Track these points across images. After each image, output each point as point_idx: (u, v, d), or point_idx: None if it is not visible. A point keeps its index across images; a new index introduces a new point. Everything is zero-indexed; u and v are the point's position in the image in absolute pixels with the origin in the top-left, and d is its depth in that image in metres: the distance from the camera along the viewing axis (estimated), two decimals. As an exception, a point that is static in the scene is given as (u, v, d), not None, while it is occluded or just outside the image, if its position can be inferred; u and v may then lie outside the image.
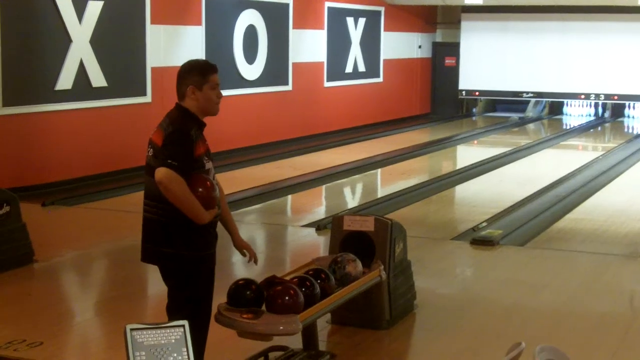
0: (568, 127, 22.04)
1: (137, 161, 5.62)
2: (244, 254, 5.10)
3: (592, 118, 23.24)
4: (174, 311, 4.83)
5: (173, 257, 4.75)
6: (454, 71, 23.64)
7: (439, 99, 23.96)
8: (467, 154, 17.64)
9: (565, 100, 23.62)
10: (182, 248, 4.73)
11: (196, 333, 4.54)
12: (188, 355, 3.66)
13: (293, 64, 17.49)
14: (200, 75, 4.77)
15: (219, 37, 15.34)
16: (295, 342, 5.52)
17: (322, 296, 5.24)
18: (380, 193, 12.90)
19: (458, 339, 6.24)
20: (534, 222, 10.50)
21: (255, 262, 5.12)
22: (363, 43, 20.25)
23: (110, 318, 6.60)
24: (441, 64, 23.94)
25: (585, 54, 22.51)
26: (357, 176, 14.04)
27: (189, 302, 4.80)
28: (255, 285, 5.02)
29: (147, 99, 13.54)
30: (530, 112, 23.77)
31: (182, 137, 4.66)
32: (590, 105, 23.41)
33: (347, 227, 6.37)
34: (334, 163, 14.80)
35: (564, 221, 10.55)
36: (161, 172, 4.55)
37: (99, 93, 12.78)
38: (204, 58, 14.73)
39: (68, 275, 8.32)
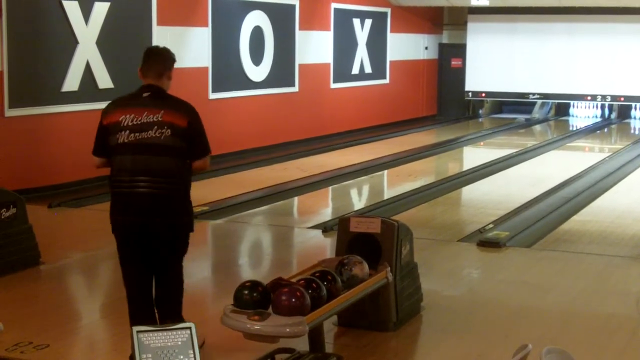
0: (574, 129, 22.00)
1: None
2: None
3: (599, 119, 23.20)
4: (173, 276, 5.56)
5: (186, 225, 5.47)
6: (461, 72, 23.62)
7: (445, 101, 23.94)
8: (473, 156, 17.62)
9: (571, 102, 23.59)
10: (190, 215, 5.49)
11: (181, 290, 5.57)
12: (195, 357, 3.66)
13: (299, 65, 17.49)
14: (174, 61, 5.59)
15: (225, 39, 15.34)
16: (302, 344, 5.51)
17: (329, 298, 5.24)
18: (387, 195, 12.89)
19: (465, 341, 6.23)
20: (541, 223, 10.49)
21: None
22: (369, 44, 20.25)
23: (117, 320, 6.59)
24: (447, 66, 23.92)
25: (592, 55, 22.48)
26: (363, 178, 14.03)
27: (181, 264, 5.59)
28: (262, 287, 5.03)
29: (154, 100, 13.51)
30: (536, 113, 23.74)
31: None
32: (597, 107, 23.38)
33: (353, 228, 6.36)
34: (341, 164, 14.79)
35: (570, 223, 10.53)
36: (206, 163, 5.47)
37: (105, 94, 12.74)
38: (210, 59, 14.80)
39: (74, 277, 8.33)
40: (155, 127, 5.26)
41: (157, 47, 5.68)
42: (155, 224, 5.33)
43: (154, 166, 5.27)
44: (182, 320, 5.26)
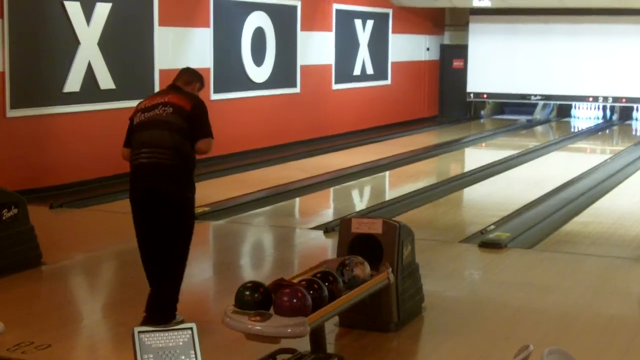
0: (576, 130, 21.99)
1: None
2: None
3: (600, 121, 23.19)
4: (178, 248, 6.03)
5: (186, 196, 6.01)
6: (462, 73, 23.61)
7: (447, 102, 23.94)
8: (475, 157, 17.62)
9: (573, 103, 23.58)
10: (187, 188, 6.02)
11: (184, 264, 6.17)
12: (196, 357, 3.66)
13: (301, 66, 17.49)
14: (202, 86, 6.38)
15: (227, 39, 15.35)
16: (303, 344, 5.51)
17: (330, 299, 5.24)
18: (388, 196, 12.89)
19: (466, 342, 6.23)
20: (542, 224, 10.48)
21: None
22: (371, 45, 20.25)
23: (119, 320, 6.60)
24: (449, 67, 23.91)
25: (594, 56, 22.46)
26: (365, 179, 14.03)
27: (188, 236, 6.07)
28: (263, 288, 5.03)
29: (155, 101, 13.52)
30: (538, 114, 23.74)
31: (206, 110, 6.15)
32: (599, 108, 23.36)
33: (355, 229, 6.36)
34: (342, 165, 14.79)
35: (572, 224, 10.53)
36: (209, 144, 6.04)
37: (107, 95, 12.79)
38: (212, 60, 14.81)
39: (76, 277, 8.33)
40: (160, 106, 6.05)
41: (190, 68, 6.53)
42: (156, 190, 5.95)
43: (154, 138, 5.97)
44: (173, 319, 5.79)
